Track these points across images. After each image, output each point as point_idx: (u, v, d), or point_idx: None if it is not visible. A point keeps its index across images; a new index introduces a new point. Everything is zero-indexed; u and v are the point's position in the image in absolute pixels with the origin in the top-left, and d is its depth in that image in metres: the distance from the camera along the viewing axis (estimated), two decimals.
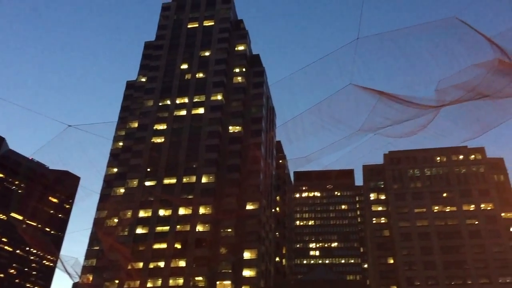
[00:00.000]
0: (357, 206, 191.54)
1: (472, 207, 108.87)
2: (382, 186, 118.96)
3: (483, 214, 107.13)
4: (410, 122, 36.63)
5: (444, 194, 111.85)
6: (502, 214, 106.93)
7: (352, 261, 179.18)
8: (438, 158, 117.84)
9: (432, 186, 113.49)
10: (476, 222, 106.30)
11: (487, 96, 35.01)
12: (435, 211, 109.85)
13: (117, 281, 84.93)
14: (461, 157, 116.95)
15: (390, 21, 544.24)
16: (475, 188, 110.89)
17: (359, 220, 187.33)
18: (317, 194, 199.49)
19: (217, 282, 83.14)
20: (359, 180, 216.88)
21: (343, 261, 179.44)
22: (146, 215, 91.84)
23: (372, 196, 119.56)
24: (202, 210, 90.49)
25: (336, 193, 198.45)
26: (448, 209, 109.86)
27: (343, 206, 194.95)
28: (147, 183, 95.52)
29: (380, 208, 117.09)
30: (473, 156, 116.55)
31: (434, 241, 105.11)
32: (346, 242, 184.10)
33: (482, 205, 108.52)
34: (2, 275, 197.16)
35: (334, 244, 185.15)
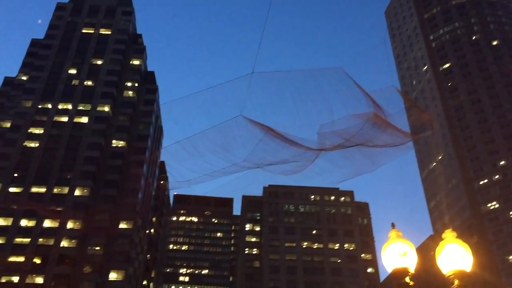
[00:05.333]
0: (233, 235, 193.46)
1: (336, 246, 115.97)
2: (258, 218, 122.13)
3: (346, 253, 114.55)
4: (292, 160, 38.50)
5: (314, 231, 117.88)
6: (362, 255, 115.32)
7: None
8: (312, 197, 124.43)
9: (304, 222, 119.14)
10: (339, 261, 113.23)
11: (362, 144, 38.25)
12: (303, 246, 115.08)
13: None
14: (332, 197, 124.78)
15: (284, 61, 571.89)
16: (341, 229, 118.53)
17: (232, 249, 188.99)
18: (195, 219, 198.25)
19: None
20: (237, 210, 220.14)
21: None
22: (5, 223, 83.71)
23: (248, 226, 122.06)
24: (70, 224, 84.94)
25: (213, 220, 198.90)
26: (315, 245, 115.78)
27: (218, 234, 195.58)
28: (12, 189, 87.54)
29: (253, 239, 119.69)
30: (343, 198, 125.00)
31: (299, 275, 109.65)
32: (217, 270, 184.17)
33: (346, 245, 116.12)
34: None
35: (205, 271, 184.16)
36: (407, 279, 8.43)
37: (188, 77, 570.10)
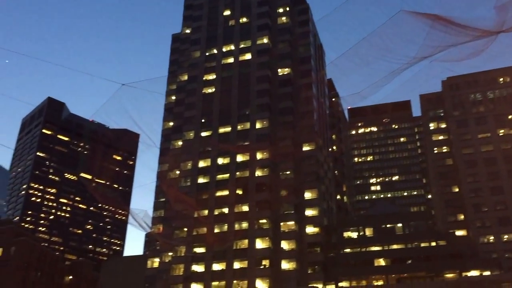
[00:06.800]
0: (416, 137, 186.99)
1: None
2: (442, 114, 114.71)
3: None
4: (468, 44, 34.40)
5: (510, 117, 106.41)
6: None
7: (415, 192, 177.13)
8: (501, 79, 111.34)
9: (496, 109, 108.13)
10: None
11: None
12: (500, 134, 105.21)
13: (185, 229, 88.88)
14: None
15: None
16: None
17: (419, 151, 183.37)
18: (374, 129, 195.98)
19: (281, 223, 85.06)
20: (416, 111, 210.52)
21: (405, 194, 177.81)
22: (205, 164, 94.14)
23: (432, 125, 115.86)
24: (259, 156, 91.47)
25: (393, 126, 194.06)
26: None
27: (401, 139, 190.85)
28: (203, 134, 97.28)
29: (441, 137, 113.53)
30: None
31: (500, 165, 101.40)
32: (407, 175, 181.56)
33: None
34: (80, 231, 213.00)
35: (395, 178, 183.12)
36: None
37: None
